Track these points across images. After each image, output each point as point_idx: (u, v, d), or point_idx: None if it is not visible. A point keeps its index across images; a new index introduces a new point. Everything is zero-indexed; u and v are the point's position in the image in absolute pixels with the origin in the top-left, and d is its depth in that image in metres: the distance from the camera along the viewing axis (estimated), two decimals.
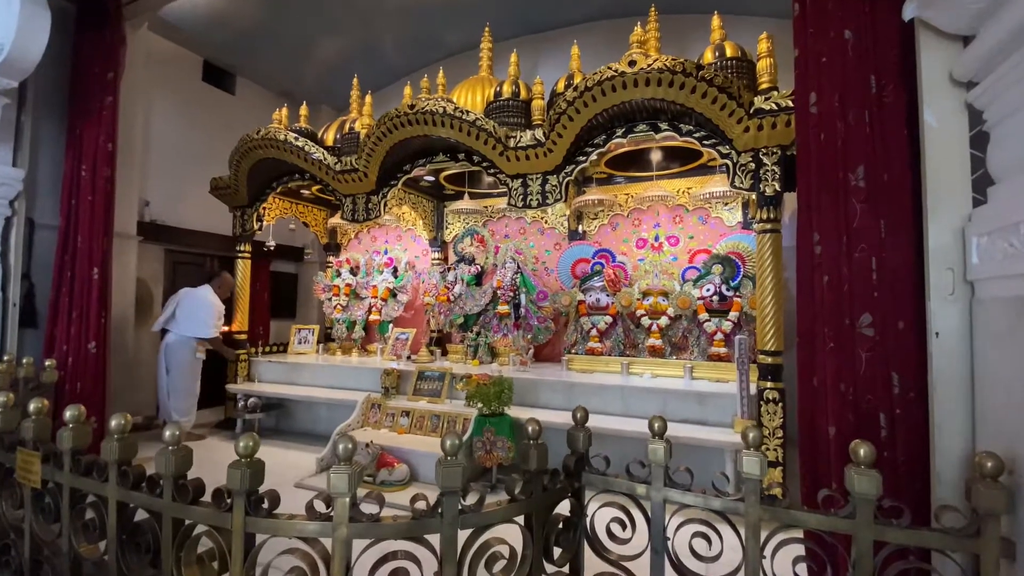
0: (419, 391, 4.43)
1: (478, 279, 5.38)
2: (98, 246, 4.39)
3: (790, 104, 3.21)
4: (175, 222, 6.04)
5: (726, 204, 4.84)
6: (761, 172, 3.41)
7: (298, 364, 5.35)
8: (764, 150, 3.40)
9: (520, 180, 4.11)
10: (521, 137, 3.92)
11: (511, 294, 5.04)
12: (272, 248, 6.03)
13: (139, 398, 5.57)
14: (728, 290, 4.29)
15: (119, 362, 4.98)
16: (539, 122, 3.97)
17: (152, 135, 5.89)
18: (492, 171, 4.24)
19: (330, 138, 5.51)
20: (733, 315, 4.22)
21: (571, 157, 3.92)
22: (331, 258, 6.64)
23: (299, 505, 2.49)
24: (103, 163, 4.42)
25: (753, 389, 3.47)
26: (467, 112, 3.92)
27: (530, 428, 1.62)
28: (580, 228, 5.30)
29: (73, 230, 4.36)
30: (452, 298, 5.29)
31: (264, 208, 5.67)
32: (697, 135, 3.61)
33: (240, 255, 5.63)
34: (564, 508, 1.85)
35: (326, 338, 6.40)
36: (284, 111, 5.45)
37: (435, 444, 3.83)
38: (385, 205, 4.77)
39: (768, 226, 3.40)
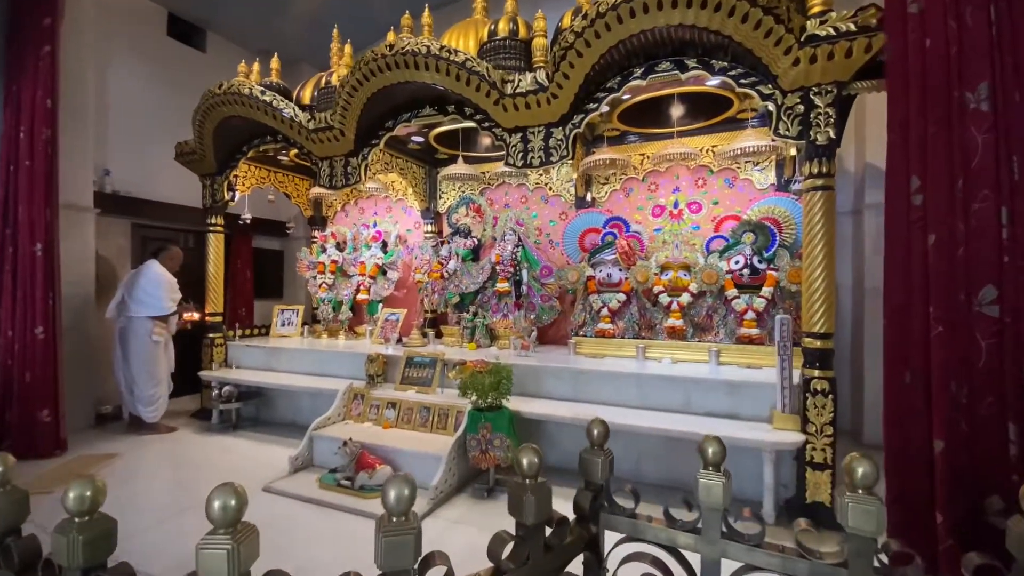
0: (407, 379, 3.92)
1: (475, 254, 4.81)
2: (40, 218, 3.87)
3: (851, 28, 2.58)
4: (142, 193, 5.49)
5: (757, 164, 4.22)
6: (812, 116, 2.79)
7: (277, 349, 4.85)
8: (816, 89, 2.78)
9: (519, 134, 3.51)
10: (520, 81, 3.30)
11: (511, 270, 4.48)
12: (248, 221, 5.48)
13: (108, 386, 5.09)
14: (761, 262, 3.71)
15: (79, 348, 4.50)
16: (541, 64, 3.34)
17: (112, 97, 5.29)
18: (486, 125, 3.63)
19: (307, 96, 4.90)
20: (767, 291, 3.64)
21: (579, 105, 3.30)
22: (316, 232, 6.08)
23: (264, 515, 1.99)
24: (41, 122, 3.86)
25: (796, 378, 2.93)
26: (455, 52, 3.30)
27: (526, 462, 1.07)
28: (589, 195, 4.71)
29: (12, 200, 3.85)
30: (446, 275, 4.74)
31: (235, 176, 5.10)
32: (733, 73, 2.98)
33: (211, 229, 5.08)
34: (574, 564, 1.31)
35: (312, 319, 5.89)
36: (255, 66, 4.83)
37: (424, 441, 3.33)
38: (366, 169, 4.18)
39: (819, 182, 2.79)
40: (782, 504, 2.96)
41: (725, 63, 3.00)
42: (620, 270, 4.07)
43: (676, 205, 4.43)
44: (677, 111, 4.03)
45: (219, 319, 5.14)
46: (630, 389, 3.33)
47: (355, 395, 3.88)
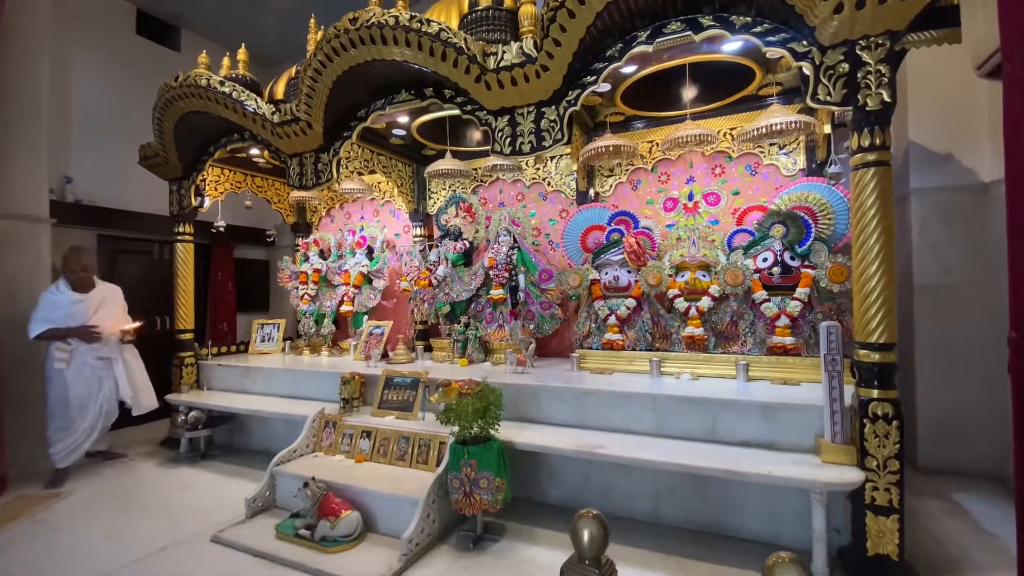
0: (386, 403, 3.42)
1: (466, 258, 4.32)
2: None
3: None
4: (109, 202, 5.11)
5: (783, 147, 3.69)
6: (859, 76, 2.26)
7: (250, 368, 4.38)
8: (863, 42, 2.25)
9: (506, 117, 3.02)
10: (504, 53, 2.82)
11: (506, 275, 3.97)
12: (221, 229, 5.04)
13: None
14: (793, 259, 3.17)
15: (29, 374, 4.07)
16: (529, 32, 2.86)
17: (75, 100, 4.93)
18: (469, 108, 3.15)
19: (280, 91, 4.46)
20: (802, 292, 3.10)
21: (574, 78, 2.81)
22: (299, 240, 5.64)
23: (206, 572, 1.55)
24: None
25: (848, 398, 2.38)
26: (428, 22, 2.82)
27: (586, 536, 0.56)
28: (592, 190, 4.19)
29: None
30: (435, 282, 4.25)
31: (204, 180, 4.67)
32: (758, 30, 2.46)
33: (179, 238, 4.65)
34: None
35: (296, 334, 5.43)
36: (225, 61, 4.41)
37: (401, 479, 2.82)
38: (339, 165, 3.72)
39: (872, 156, 2.26)
40: (835, 554, 2.41)
41: (748, 18, 2.48)
42: (629, 272, 3.55)
43: (691, 197, 3.89)
44: (689, 90, 3.51)
45: (190, 336, 4.70)
46: (644, 413, 2.79)
47: (326, 422, 3.39)
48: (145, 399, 4.08)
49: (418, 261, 4.44)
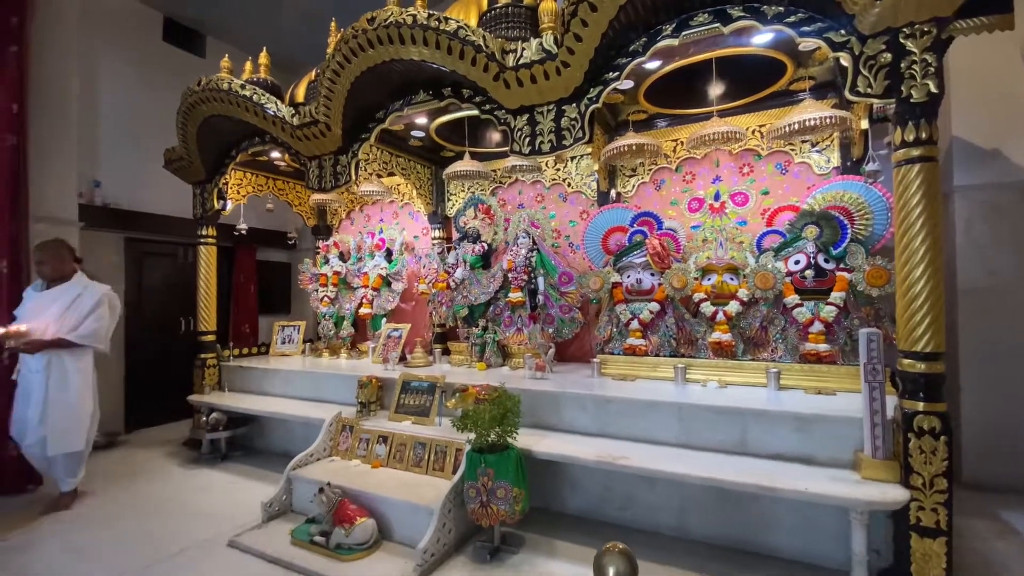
0: (403, 407, 3.37)
1: (485, 260, 4.26)
2: (4, 233, 3.54)
3: None
4: (137, 206, 5.20)
5: (815, 144, 3.53)
6: (903, 66, 2.12)
7: (269, 370, 4.40)
8: (907, 30, 2.11)
9: (525, 115, 2.94)
10: (523, 50, 2.74)
11: (525, 277, 3.89)
12: (244, 232, 5.08)
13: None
14: (827, 261, 3.01)
15: None
16: (549, 28, 2.77)
17: (103, 105, 5.03)
18: (487, 107, 3.08)
19: (301, 94, 4.46)
20: (837, 296, 2.93)
21: (596, 74, 2.72)
22: (319, 242, 5.66)
23: None
24: (6, 128, 3.56)
25: (891, 410, 2.23)
26: (445, 20, 2.77)
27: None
28: (613, 190, 4.08)
29: None
30: (453, 285, 4.19)
31: (226, 183, 4.71)
32: (792, 19, 2.34)
33: (202, 240, 4.70)
34: None
35: (316, 336, 5.45)
36: (247, 65, 4.44)
37: (416, 486, 2.76)
38: (357, 167, 3.69)
39: (917, 152, 2.11)
40: None
41: (780, 8, 2.35)
42: (652, 275, 3.43)
43: (717, 197, 3.75)
44: (716, 86, 3.38)
45: (212, 338, 4.74)
46: (669, 422, 2.67)
47: (343, 426, 3.36)
48: (57, 439, 3.15)
49: (436, 263, 4.39)
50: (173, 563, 2.54)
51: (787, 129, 2.93)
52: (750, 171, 3.70)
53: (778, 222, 3.35)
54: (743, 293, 3.16)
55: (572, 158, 4.28)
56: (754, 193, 3.66)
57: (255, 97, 3.69)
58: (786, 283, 3.06)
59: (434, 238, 5.05)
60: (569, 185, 4.33)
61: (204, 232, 4.71)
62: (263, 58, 4.37)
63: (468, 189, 4.91)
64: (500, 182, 4.71)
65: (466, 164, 3.91)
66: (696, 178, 3.86)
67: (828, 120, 2.81)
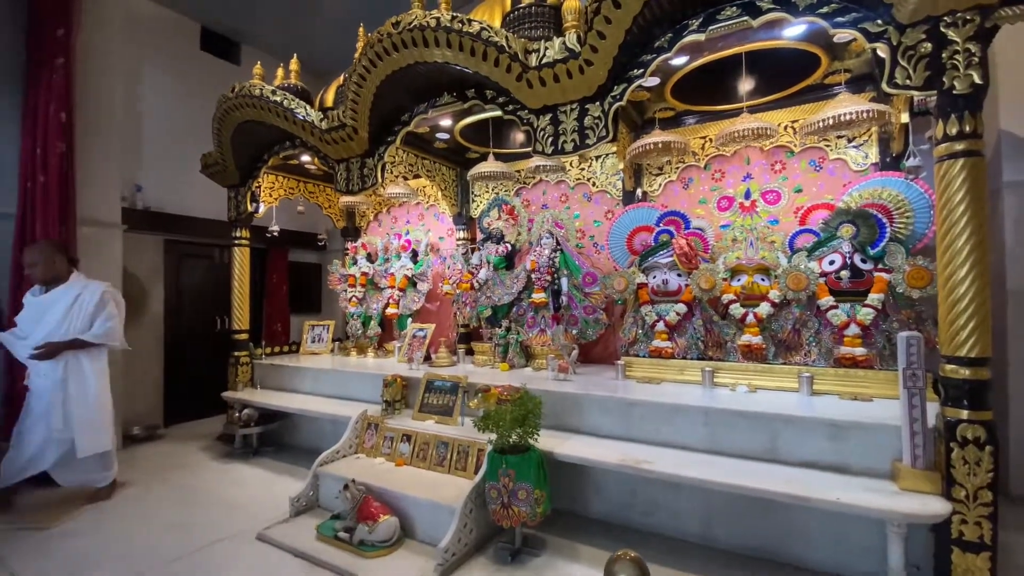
0: (426, 407, 3.40)
1: (509, 261, 4.25)
2: (55, 235, 3.73)
3: None
4: (176, 209, 5.41)
5: (851, 139, 3.39)
6: (944, 56, 2.02)
7: (300, 368, 4.51)
8: (949, 18, 2.01)
9: (548, 115, 2.93)
10: (546, 50, 2.72)
11: (548, 278, 3.87)
12: (275, 233, 5.23)
13: (137, 406, 4.99)
14: (865, 261, 2.88)
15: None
16: (572, 27, 2.75)
17: (144, 112, 5.26)
18: (510, 108, 3.08)
19: (330, 99, 4.56)
20: (875, 298, 2.81)
21: (620, 72, 2.68)
22: (348, 243, 5.77)
23: (248, 570, 2.12)
24: (55, 136, 3.74)
25: (932, 418, 2.12)
26: (468, 22, 2.78)
27: None
28: (639, 189, 4.02)
29: (30, 218, 3.72)
30: (477, 285, 4.21)
31: (259, 186, 4.85)
32: (824, 10, 2.25)
33: (236, 242, 4.85)
34: None
35: (345, 335, 5.55)
36: (279, 71, 4.57)
37: (439, 485, 2.78)
38: (383, 169, 3.75)
39: (960, 146, 2.00)
40: None
41: None
42: (679, 275, 3.36)
43: (748, 195, 3.64)
44: (745, 81, 3.29)
45: (245, 336, 4.89)
46: (695, 427, 2.61)
47: (369, 424, 3.41)
48: (87, 440, 3.20)
49: (461, 264, 4.41)
50: (205, 554, 2.63)
51: (821, 124, 2.83)
52: (782, 168, 3.58)
53: (812, 221, 3.23)
54: (774, 294, 3.06)
55: (597, 157, 4.24)
56: (786, 191, 3.54)
57: (285, 102, 3.79)
58: (820, 284, 2.95)
59: (459, 239, 5.07)
60: (594, 185, 4.29)
61: (238, 234, 4.87)
62: (294, 64, 4.48)
63: (492, 190, 4.92)
64: (524, 183, 4.70)
65: (490, 165, 3.92)
66: (725, 176, 3.76)
67: (865, 114, 2.69)
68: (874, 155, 3.30)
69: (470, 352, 4.51)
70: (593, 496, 2.94)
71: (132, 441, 4.73)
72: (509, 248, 4.24)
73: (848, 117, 2.75)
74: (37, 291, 3.31)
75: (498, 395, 2.68)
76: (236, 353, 4.78)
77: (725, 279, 3.19)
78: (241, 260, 4.87)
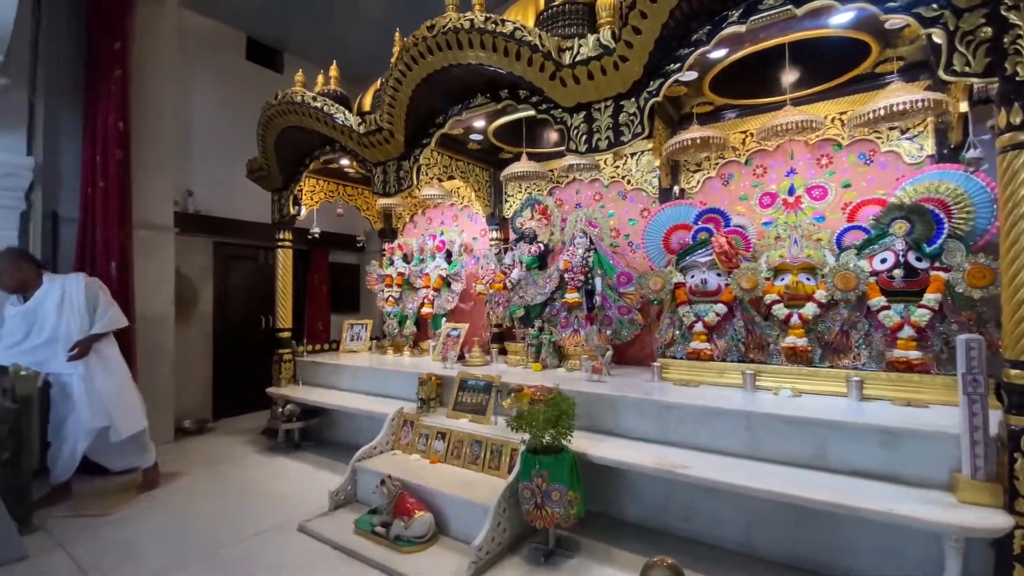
0: (460, 405, 3.43)
1: (541, 261, 4.24)
2: (114, 238, 3.97)
3: None
4: (223, 212, 5.67)
5: (905, 131, 3.21)
6: (1006, 41, 1.88)
7: (339, 366, 4.63)
8: (1009, 1, 1.88)
9: (582, 113, 2.90)
10: (580, 47, 2.70)
11: (582, 278, 3.84)
12: (317, 235, 5.41)
13: (187, 401, 5.25)
14: (920, 259, 2.72)
15: (159, 365, 4.61)
16: (607, 23, 2.71)
17: (194, 120, 5.53)
18: (543, 107, 3.07)
19: (367, 103, 4.67)
20: (931, 298, 2.65)
21: (656, 67, 2.62)
22: (385, 244, 5.90)
23: (290, 561, 2.20)
24: (114, 144, 3.98)
25: (994, 427, 1.98)
26: (502, 22, 2.79)
27: None
28: (676, 187, 3.93)
29: (91, 221, 3.97)
30: (509, 285, 4.22)
31: (301, 190, 5.02)
32: None
33: (280, 244, 5.04)
34: None
35: (382, 334, 5.67)
36: (319, 78, 4.72)
37: (472, 483, 2.80)
38: (419, 171, 3.81)
39: None
40: None
41: None
42: (718, 275, 3.26)
43: (791, 191, 3.51)
44: (789, 73, 3.16)
45: (288, 334, 5.07)
46: (736, 432, 2.53)
47: (405, 421, 3.47)
48: (123, 422, 3.39)
49: (493, 264, 4.43)
50: (249, 544, 2.74)
51: (872, 115, 2.69)
52: (829, 162, 3.42)
53: (861, 217, 3.07)
54: (821, 294, 2.93)
55: (632, 154, 4.17)
56: (833, 186, 3.39)
57: (325, 108, 3.91)
58: (870, 284, 2.80)
59: (492, 239, 5.10)
60: (629, 182, 4.22)
61: (281, 236, 5.05)
62: (333, 71, 4.61)
63: (525, 190, 4.92)
64: (557, 182, 4.68)
65: (523, 165, 3.92)
66: (768, 171, 3.63)
67: (920, 103, 2.54)
68: (930, 147, 3.12)
69: (503, 352, 4.53)
70: (628, 499, 2.89)
71: (183, 434, 4.98)
72: (542, 248, 4.23)
73: (901, 107, 2.60)
74: (16, 300, 3.29)
75: (531, 395, 2.67)
76: (279, 351, 4.95)
77: (768, 278, 3.08)
78: (284, 261, 5.05)
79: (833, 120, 3.38)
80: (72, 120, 4.11)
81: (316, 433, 4.71)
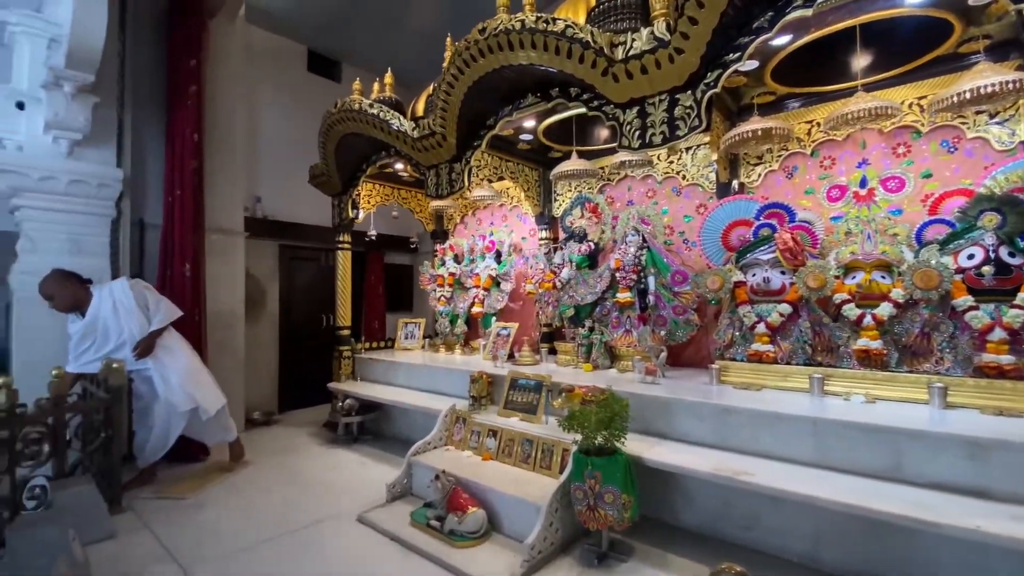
0: (511, 404, 3.45)
1: (592, 260, 4.19)
2: (188, 242, 4.27)
3: None
4: (287, 217, 5.99)
5: (994, 115, 2.92)
6: None
7: (395, 363, 4.78)
8: None
9: (635, 108, 2.84)
10: (633, 41, 2.65)
11: (634, 277, 3.76)
12: (373, 238, 5.61)
13: (257, 394, 5.58)
14: (1014, 255, 2.47)
15: (230, 359, 4.93)
16: (661, 15, 2.65)
17: (261, 131, 5.87)
18: (595, 104, 3.03)
19: (420, 108, 4.79)
20: None
21: (714, 58, 2.53)
22: (437, 245, 6.03)
23: (346, 552, 2.21)
24: (189, 155, 4.29)
25: None
26: (553, 21, 2.78)
27: None
28: (735, 181, 3.76)
29: (171, 227, 4.30)
30: (559, 285, 4.19)
31: (359, 194, 5.22)
32: None
33: (339, 246, 5.27)
34: None
35: (434, 332, 5.80)
36: (375, 85, 4.89)
37: (524, 482, 2.81)
38: (470, 173, 3.87)
39: None
40: None
41: None
42: (782, 272, 3.10)
43: (864, 183, 3.27)
44: (860, 57, 2.96)
45: (347, 332, 5.29)
46: (802, 439, 2.39)
47: (457, 418, 3.53)
48: (207, 401, 3.72)
49: (543, 264, 4.42)
50: (312, 531, 2.88)
51: (957, 99, 2.47)
52: (907, 151, 3.18)
53: (945, 209, 2.83)
54: (897, 293, 2.72)
55: (687, 149, 4.04)
56: (912, 177, 3.13)
57: (381, 114, 4.04)
58: (955, 282, 2.57)
59: (541, 239, 5.09)
60: (684, 178, 4.09)
61: (341, 238, 5.28)
62: (388, 78, 4.76)
63: (575, 188, 4.88)
64: (608, 179, 4.61)
65: (573, 164, 3.89)
66: (836, 163, 3.41)
67: (1011, 85, 2.31)
68: (1023, 132, 2.83)
69: (553, 351, 4.51)
70: (683, 505, 2.81)
71: (252, 425, 5.29)
72: (592, 247, 4.18)
73: (990, 89, 2.36)
74: (75, 318, 3.49)
75: (583, 395, 2.64)
76: (339, 347, 5.17)
77: (837, 276, 2.90)
78: (344, 262, 5.28)
79: (911, 105, 3.13)
80: (155, 134, 4.47)
81: (373, 427, 4.89)
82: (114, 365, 3.23)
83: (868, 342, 2.72)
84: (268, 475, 3.82)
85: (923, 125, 3.11)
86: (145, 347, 3.53)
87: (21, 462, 2.78)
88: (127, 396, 3.49)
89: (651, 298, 3.68)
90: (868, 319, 2.74)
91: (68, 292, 3.41)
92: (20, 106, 3.79)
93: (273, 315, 5.92)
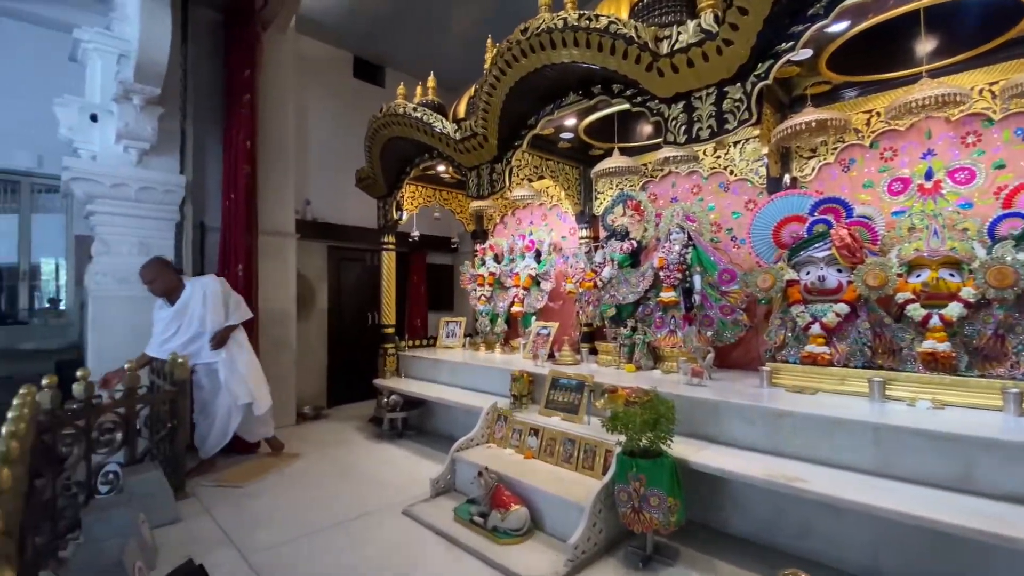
0: (552, 403, 3.44)
1: (634, 258, 4.12)
2: (242, 243, 4.49)
3: None
4: (335, 219, 6.19)
5: None
6: None
7: (437, 361, 4.87)
8: None
9: (681, 103, 2.78)
10: (679, 34, 2.59)
11: (679, 275, 3.67)
12: (416, 238, 5.73)
13: (307, 389, 5.80)
14: None
15: (282, 355, 5.15)
16: (708, 6, 2.57)
17: (310, 136, 6.09)
18: (639, 100, 2.98)
19: (462, 110, 4.85)
20: None
21: (765, 47, 2.44)
22: (477, 245, 6.09)
23: (392, 545, 2.20)
24: (243, 160, 4.50)
25: None
26: (596, 18, 2.75)
27: None
28: (787, 176, 3.61)
29: (228, 229, 4.52)
30: (600, 284, 4.15)
31: (403, 196, 5.34)
32: None
33: (384, 247, 5.41)
34: None
35: (474, 331, 5.87)
36: (418, 89, 4.99)
37: (566, 482, 2.81)
38: (511, 173, 3.88)
39: None
40: None
41: None
42: (839, 271, 2.96)
43: (929, 175, 3.08)
44: (925, 42, 2.78)
45: (391, 330, 5.42)
46: (862, 446, 2.27)
47: (499, 416, 3.56)
48: (261, 399, 3.96)
49: (583, 263, 4.39)
50: (359, 523, 2.97)
51: None
52: (977, 141, 2.96)
53: (1020, 203, 2.63)
54: (968, 293, 2.54)
55: (735, 143, 3.91)
56: (983, 168, 2.92)
57: (424, 117, 4.12)
58: None
59: (581, 238, 5.05)
60: (732, 173, 3.96)
61: (386, 239, 5.42)
62: (430, 81, 4.84)
63: (616, 186, 4.81)
64: (651, 176, 4.52)
65: (614, 161, 3.83)
66: (899, 154, 3.22)
67: None
68: None
69: (594, 352, 4.47)
70: (732, 511, 2.72)
71: (303, 419, 5.50)
72: (634, 245, 4.11)
73: None
74: (162, 304, 3.76)
75: (626, 396, 2.61)
76: (384, 345, 5.31)
77: (900, 275, 2.74)
78: (388, 263, 5.42)
79: (981, 92, 2.92)
80: (214, 141, 4.73)
81: (417, 422, 4.99)
82: (179, 359, 3.43)
83: (935, 344, 2.56)
84: (317, 467, 3.97)
85: (995, 112, 2.89)
86: (221, 338, 3.79)
87: (96, 449, 3.00)
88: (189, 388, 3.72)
89: (697, 297, 3.59)
90: (935, 320, 2.58)
91: (166, 278, 3.71)
92: (94, 118, 4.10)
93: (322, 313, 6.14)
